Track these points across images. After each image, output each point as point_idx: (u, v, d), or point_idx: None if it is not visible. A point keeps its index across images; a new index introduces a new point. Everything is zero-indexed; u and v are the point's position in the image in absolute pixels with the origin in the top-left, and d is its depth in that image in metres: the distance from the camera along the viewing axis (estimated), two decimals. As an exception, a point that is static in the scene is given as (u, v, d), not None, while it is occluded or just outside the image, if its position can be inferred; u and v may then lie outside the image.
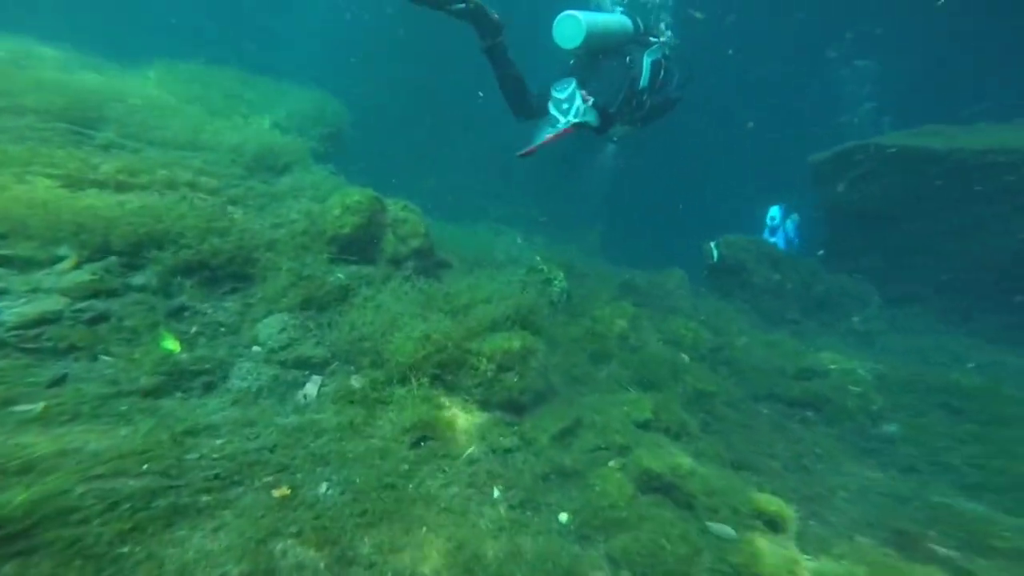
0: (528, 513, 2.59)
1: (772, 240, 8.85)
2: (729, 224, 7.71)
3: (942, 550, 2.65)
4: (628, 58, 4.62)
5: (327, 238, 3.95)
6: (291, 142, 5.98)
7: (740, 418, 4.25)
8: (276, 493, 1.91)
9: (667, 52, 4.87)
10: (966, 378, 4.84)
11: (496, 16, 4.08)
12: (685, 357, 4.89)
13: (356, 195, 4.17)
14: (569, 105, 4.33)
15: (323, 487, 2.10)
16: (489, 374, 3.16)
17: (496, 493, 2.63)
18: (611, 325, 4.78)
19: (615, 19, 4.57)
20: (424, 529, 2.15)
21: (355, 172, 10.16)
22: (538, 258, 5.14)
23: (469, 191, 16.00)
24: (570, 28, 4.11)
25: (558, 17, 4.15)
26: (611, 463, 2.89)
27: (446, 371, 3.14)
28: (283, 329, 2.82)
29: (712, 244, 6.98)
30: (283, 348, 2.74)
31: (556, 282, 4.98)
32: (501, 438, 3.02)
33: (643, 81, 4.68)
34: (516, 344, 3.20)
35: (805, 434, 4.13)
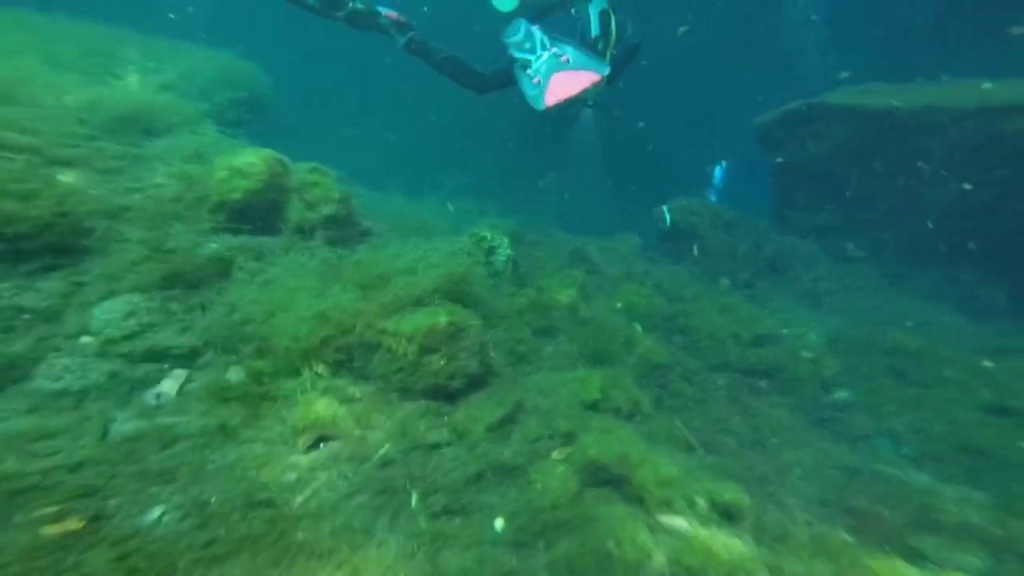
0: (455, 522, 2.15)
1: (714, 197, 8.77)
2: (686, 186, 7.48)
3: (895, 529, 2.48)
4: (572, 10, 4.63)
5: (212, 205, 3.25)
6: (175, 102, 5.09)
7: (695, 392, 3.99)
8: (53, 529, 1.35)
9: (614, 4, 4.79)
10: (908, 338, 4.81)
11: (394, 16, 4.25)
12: (638, 327, 4.58)
13: (249, 156, 3.47)
14: (531, 42, 4.32)
15: (155, 512, 1.56)
16: (410, 357, 2.66)
17: (414, 501, 2.17)
18: (559, 295, 4.36)
19: None
20: (305, 559, 1.66)
21: (271, 140, 9.20)
22: (480, 228, 4.62)
23: (428, 161, 15.14)
24: None
25: None
26: (554, 454, 2.49)
27: (355, 356, 2.61)
28: (131, 314, 2.18)
29: (664, 208, 6.69)
30: (129, 337, 2.11)
31: (500, 250, 4.49)
32: (426, 432, 2.55)
33: (593, 30, 4.63)
34: (442, 320, 2.70)
35: (761, 406, 3.93)
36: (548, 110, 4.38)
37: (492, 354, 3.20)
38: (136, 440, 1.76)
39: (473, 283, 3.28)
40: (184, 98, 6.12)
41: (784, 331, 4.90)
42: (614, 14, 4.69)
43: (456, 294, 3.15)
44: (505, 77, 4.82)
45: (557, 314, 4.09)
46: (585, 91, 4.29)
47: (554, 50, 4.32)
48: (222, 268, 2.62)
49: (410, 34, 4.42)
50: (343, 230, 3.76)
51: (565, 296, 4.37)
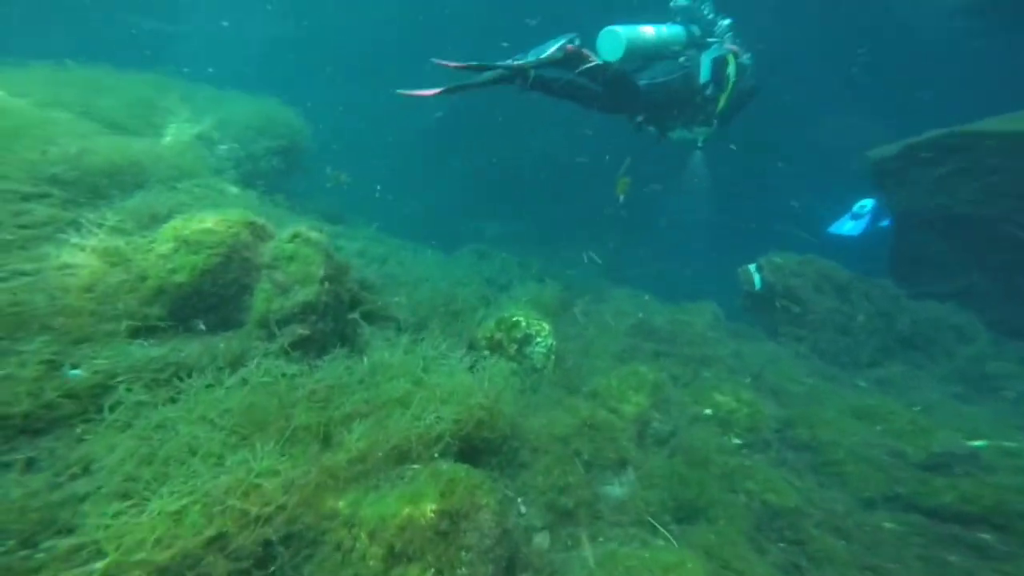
0: None
1: (847, 228, 7.04)
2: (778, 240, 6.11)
3: None
4: (682, 58, 4.77)
5: (146, 293, 2.40)
6: (194, 152, 4.65)
7: (855, 552, 2.52)
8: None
9: (736, 51, 4.93)
10: None
11: (509, 64, 4.07)
12: (738, 441, 3.18)
13: (208, 219, 2.65)
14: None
15: None
16: (372, 566, 1.52)
17: None
18: (622, 403, 3.10)
19: (663, 29, 4.71)
20: None
21: (301, 195, 8.81)
22: (513, 310, 3.53)
23: (470, 209, 14.72)
24: (611, 42, 4.43)
25: (600, 32, 4.43)
26: None
27: (271, 561, 1.50)
28: None
29: (752, 267, 5.31)
30: None
31: (539, 340, 3.34)
32: None
33: (703, 76, 4.77)
34: (428, 509, 1.56)
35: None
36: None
37: (518, 535, 1.98)
38: None
39: (499, 419, 2.15)
40: (219, 147, 5.76)
41: (975, 444, 3.28)
42: (734, 58, 4.84)
43: (472, 443, 2.03)
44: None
45: (620, 436, 2.81)
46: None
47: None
48: (79, 409, 1.66)
49: (528, 74, 4.14)
50: (326, 322, 2.78)
51: (632, 405, 3.10)
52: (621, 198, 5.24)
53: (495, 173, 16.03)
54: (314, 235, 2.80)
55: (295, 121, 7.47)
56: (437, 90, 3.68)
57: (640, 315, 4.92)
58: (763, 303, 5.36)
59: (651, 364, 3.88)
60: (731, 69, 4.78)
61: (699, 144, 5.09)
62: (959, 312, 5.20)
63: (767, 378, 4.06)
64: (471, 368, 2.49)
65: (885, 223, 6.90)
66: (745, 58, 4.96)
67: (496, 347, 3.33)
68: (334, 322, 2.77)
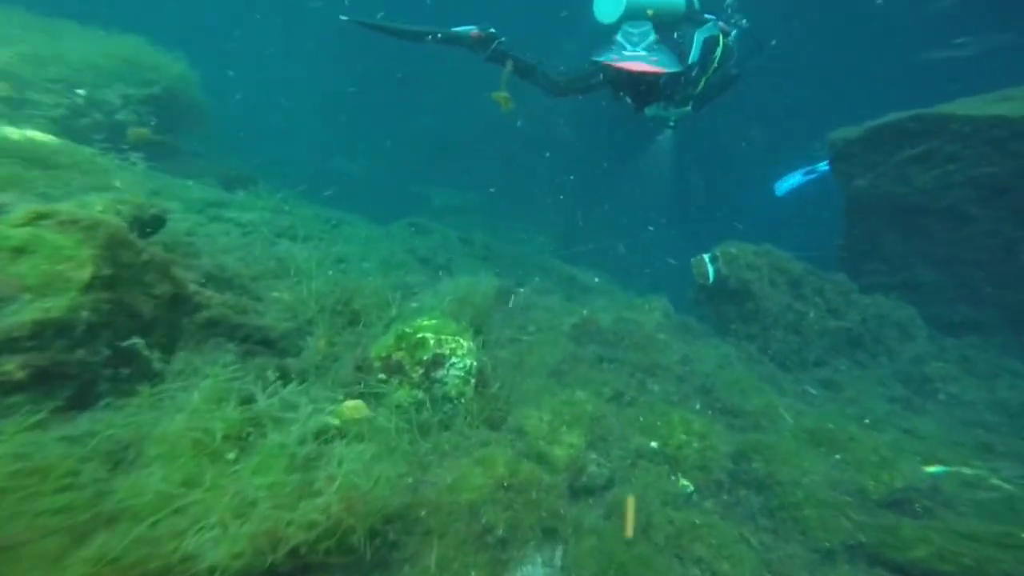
0: None
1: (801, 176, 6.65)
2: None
3: None
4: (676, 34, 4.61)
5: None
6: None
7: None
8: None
9: (726, 30, 4.80)
10: None
11: (475, 32, 4.73)
12: (688, 486, 2.71)
13: None
14: (641, 39, 4.43)
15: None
16: None
17: None
18: (552, 446, 2.51)
19: None
20: None
21: (202, 155, 7.37)
22: (421, 320, 2.77)
23: (421, 174, 13.47)
24: (609, 3, 4.47)
25: None
26: None
27: None
28: None
29: (707, 258, 4.84)
30: None
31: (455, 361, 2.63)
32: None
33: (692, 56, 4.58)
34: None
35: None
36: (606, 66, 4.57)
37: None
38: None
39: (360, 520, 1.45)
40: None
41: (932, 470, 3.01)
42: (724, 38, 4.70)
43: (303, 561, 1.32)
44: (581, 84, 5.03)
45: (550, 495, 2.22)
46: (642, 73, 4.40)
47: (653, 59, 4.39)
48: None
49: (492, 46, 4.77)
50: (92, 348, 1.86)
51: (564, 448, 2.50)
52: (506, 109, 4.67)
53: (445, 137, 14.84)
54: (84, 214, 1.86)
55: (173, 66, 6.04)
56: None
57: (585, 312, 4.33)
58: (715, 296, 4.94)
59: (591, 383, 3.32)
60: (718, 52, 4.67)
61: (671, 124, 5.05)
62: (903, 307, 5.04)
63: (717, 392, 3.62)
64: (329, 437, 1.74)
65: (820, 168, 6.54)
66: (732, 39, 4.86)
67: (395, 371, 2.59)
68: (111, 348, 1.88)
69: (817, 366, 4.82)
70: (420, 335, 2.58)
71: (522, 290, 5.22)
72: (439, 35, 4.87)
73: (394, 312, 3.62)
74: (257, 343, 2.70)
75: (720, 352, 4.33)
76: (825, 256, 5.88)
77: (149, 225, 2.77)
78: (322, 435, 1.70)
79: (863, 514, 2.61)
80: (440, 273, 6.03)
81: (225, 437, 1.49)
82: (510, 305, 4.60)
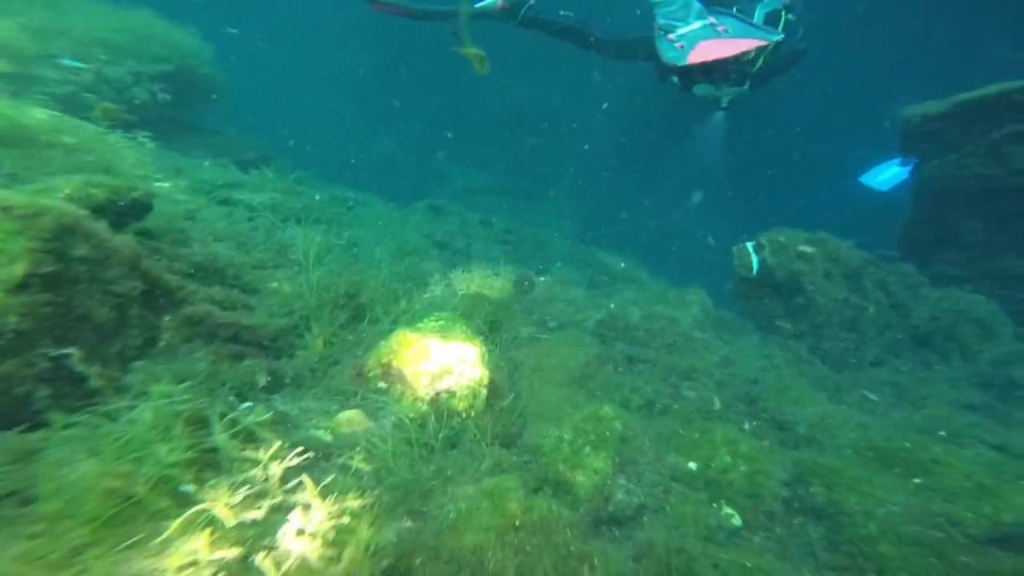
0: None
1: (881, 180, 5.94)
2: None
3: None
4: (735, 8, 4.27)
5: None
6: None
7: None
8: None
9: (788, 3, 4.42)
10: None
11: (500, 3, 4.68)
12: (734, 517, 2.33)
13: None
14: (685, 11, 4.15)
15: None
16: None
17: None
18: (574, 472, 2.16)
19: None
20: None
21: (218, 134, 7.16)
22: (429, 321, 2.44)
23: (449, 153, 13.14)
24: None
25: None
26: None
27: None
28: None
29: (750, 246, 4.31)
30: None
31: (464, 371, 2.29)
32: None
33: None
34: None
35: None
36: (690, 66, 4.19)
37: None
38: None
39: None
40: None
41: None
42: (787, 13, 4.39)
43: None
44: (632, 49, 4.73)
45: (569, 534, 1.88)
46: (744, 54, 4.15)
47: (711, 20, 4.11)
48: None
49: (522, 11, 4.70)
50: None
51: (588, 475, 2.15)
52: (482, 72, 3.98)
53: (471, 116, 14.40)
54: (21, 200, 1.57)
55: (185, 41, 5.78)
56: None
57: (612, 306, 3.92)
58: (758, 289, 4.42)
59: (619, 389, 2.94)
60: (780, 26, 4.35)
61: (723, 104, 4.73)
62: (983, 302, 4.40)
63: (764, 402, 3.18)
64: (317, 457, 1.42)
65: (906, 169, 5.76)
66: (793, 15, 4.46)
67: (397, 380, 2.28)
68: (28, 365, 1.59)
69: (875, 366, 4.28)
70: (425, 340, 2.25)
71: (543, 279, 4.85)
72: (466, 13, 4.64)
73: (403, 305, 3.32)
74: (247, 343, 2.43)
75: (764, 352, 3.86)
76: (875, 243, 5.23)
77: (130, 211, 2.51)
78: (285, 483, 1.38)
79: (961, 553, 2.17)
80: (457, 259, 5.71)
81: (156, 485, 1.20)
82: (530, 297, 4.23)
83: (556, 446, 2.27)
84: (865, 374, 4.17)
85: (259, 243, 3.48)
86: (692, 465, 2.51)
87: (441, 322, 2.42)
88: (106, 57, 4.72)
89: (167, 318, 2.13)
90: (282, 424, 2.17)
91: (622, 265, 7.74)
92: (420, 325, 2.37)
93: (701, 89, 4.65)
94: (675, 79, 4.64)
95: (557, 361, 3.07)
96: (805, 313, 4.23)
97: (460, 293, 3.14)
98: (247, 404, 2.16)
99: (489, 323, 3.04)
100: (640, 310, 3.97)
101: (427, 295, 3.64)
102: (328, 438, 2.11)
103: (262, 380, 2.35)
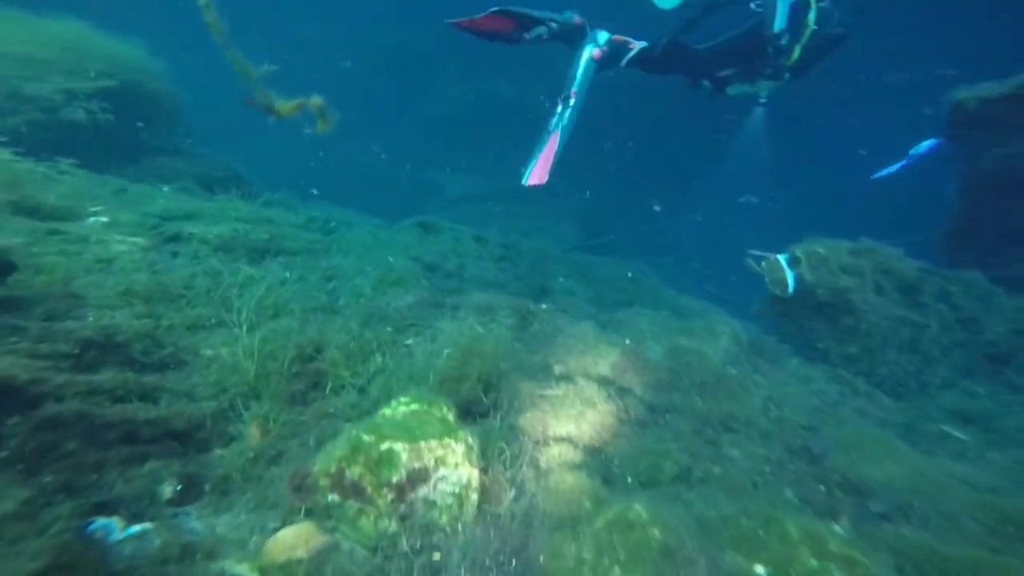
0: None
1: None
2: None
3: None
4: (753, 4, 4.23)
5: None
6: None
7: None
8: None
9: None
10: None
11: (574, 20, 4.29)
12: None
13: None
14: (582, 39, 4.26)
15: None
16: None
17: None
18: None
19: None
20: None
21: (180, 153, 6.55)
22: (395, 406, 1.83)
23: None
24: None
25: None
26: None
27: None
28: None
29: (783, 259, 3.68)
30: None
31: (443, 475, 1.69)
32: None
33: (778, 24, 4.11)
34: None
35: None
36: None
37: None
38: None
39: None
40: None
41: None
42: (816, 2, 4.22)
43: None
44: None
45: None
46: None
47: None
48: None
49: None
50: None
51: (622, 625, 1.53)
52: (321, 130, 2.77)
53: (460, 120, 13.91)
54: None
55: (128, 55, 5.19)
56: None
57: (627, 342, 3.30)
58: (795, 309, 3.80)
59: (646, 457, 2.33)
60: (811, 15, 4.14)
61: (761, 100, 4.57)
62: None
63: (834, 461, 2.55)
64: None
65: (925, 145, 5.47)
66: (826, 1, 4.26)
67: (353, 494, 1.67)
68: None
69: (943, 389, 3.64)
70: (384, 446, 1.62)
71: (544, 307, 4.25)
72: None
73: (378, 362, 2.72)
74: (150, 441, 1.82)
75: (814, 389, 3.23)
76: (911, 242, 4.65)
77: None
78: None
79: None
80: (449, 282, 5.10)
81: None
82: (531, 331, 3.62)
83: (574, 570, 1.65)
84: (934, 401, 3.53)
85: (200, 294, 2.87)
86: (760, 570, 1.88)
87: (413, 406, 1.81)
88: (24, 73, 4.13)
89: (13, 420, 1.53)
90: (188, 557, 1.57)
91: (629, 275, 7.15)
92: (383, 415, 1.75)
93: (735, 89, 4.48)
94: (706, 83, 4.45)
95: (565, 428, 2.45)
96: (854, 335, 3.61)
97: (445, 352, 2.52)
98: (137, 527, 1.58)
99: (483, 384, 2.44)
100: (660, 346, 3.35)
101: (410, 340, 3.04)
102: (252, 580, 1.50)
103: (167, 491, 1.76)
